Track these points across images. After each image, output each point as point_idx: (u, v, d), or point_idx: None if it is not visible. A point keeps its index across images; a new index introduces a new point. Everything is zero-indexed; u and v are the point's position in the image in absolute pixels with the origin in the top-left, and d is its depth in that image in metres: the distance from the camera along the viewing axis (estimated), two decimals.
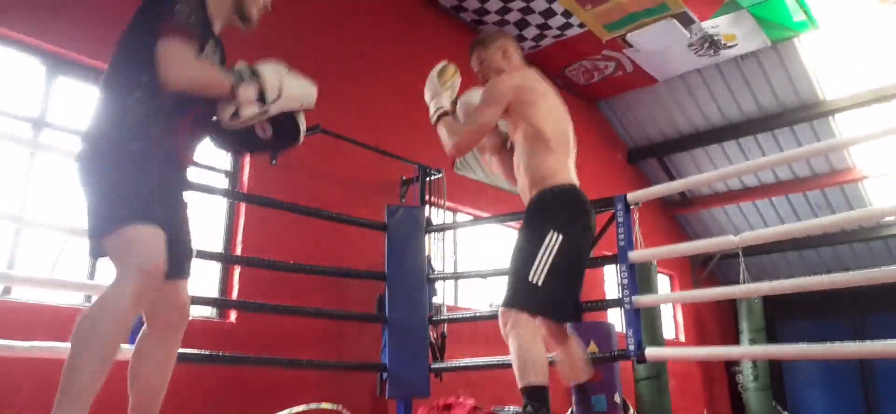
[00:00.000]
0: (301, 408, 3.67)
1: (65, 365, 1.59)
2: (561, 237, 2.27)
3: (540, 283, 2.25)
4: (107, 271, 3.85)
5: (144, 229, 1.64)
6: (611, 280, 8.17)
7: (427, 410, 4.02)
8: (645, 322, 3.61)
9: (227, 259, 4.33)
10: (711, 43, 7.09)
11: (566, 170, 2.47)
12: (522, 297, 2.30)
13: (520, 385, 2.24)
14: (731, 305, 10.68)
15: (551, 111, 2.51)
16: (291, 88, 1.87)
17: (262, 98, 1.83)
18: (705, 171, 8.79)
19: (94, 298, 3.72)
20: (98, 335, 1.57)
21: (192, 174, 4.50)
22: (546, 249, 2.26)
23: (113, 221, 1.65)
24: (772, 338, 10.26)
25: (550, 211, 2.36)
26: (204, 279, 4.32)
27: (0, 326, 3.07)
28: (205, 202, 4.45)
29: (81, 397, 1.55)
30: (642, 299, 3.47)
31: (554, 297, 2.29)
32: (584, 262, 2.46)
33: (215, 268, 4.38)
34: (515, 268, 2.34)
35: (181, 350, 3.28)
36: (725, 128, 8.82)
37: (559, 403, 6.32)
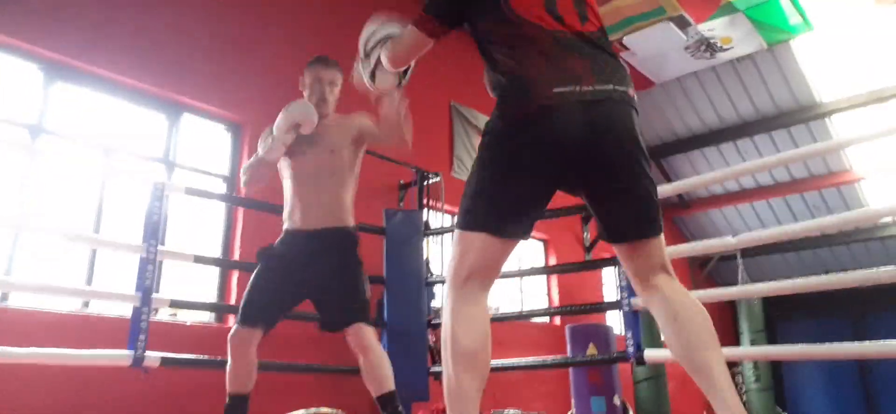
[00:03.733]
0: (300, 413, 3.66)
1: None
2: None
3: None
4: (105, 277, 3.85)
5: None
6: (609, 282, 8.18)
7: (426, 413, 4.02)
8: (644, 324, 3.61)
9: (225, 264, 4.32)
10: (708, 46, 7.10)
11: None
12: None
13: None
14: (730, 307, 10.69)
15: None
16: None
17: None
18: (702, 174, 8.81)
19: (91, 304, 3.72)
20: None
21: (189, 179, 4.50)
22: None
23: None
24: (772, 339, 10.27)
25: None
26: (202, 284, 4.32)
27: None
28: (203, 207, 4.45)
29: None
30: (641, 301, 3.47)
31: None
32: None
33: (213, 273, 4.37)
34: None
35: (179, 355, 3.29)
36: (722, 130, 8.84)
37: (560, 404, 6.31)
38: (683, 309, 1.48)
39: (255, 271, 2.58)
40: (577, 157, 1.45)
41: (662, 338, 1.70)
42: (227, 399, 2.47)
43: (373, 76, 1.98)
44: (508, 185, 1.47)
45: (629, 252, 1.55)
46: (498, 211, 1.48)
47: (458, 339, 1.44)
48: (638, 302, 3.42)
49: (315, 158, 2.62)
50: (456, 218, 1.61)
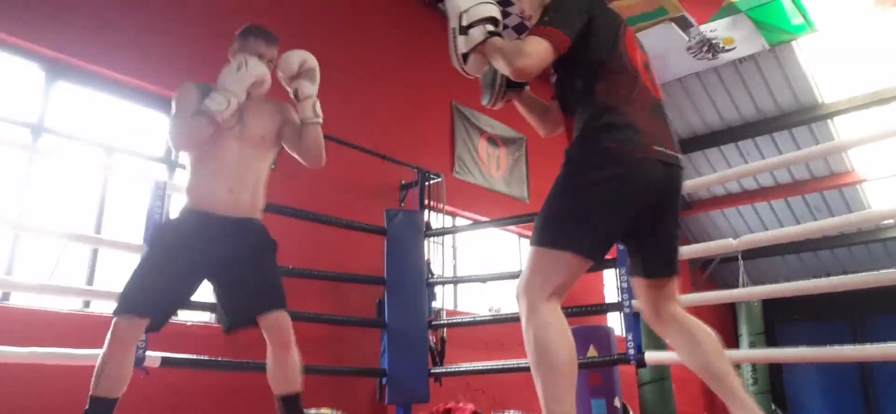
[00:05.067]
0: None
1: None
2: None
3: None
4: (106, 276, 3.86)
5: None
6: (610, 284, 8.17)
7: None
8: (645, 326, 3.61)
9: None
10: (710, 47, 7.10)
11: None
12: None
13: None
14: (730, 309, 10.68)
15: None
16: None
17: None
18: (704, 175, 8.81)
19: (93, 304, 3.72)
20: None
21: None
22: None
23: None
24: (771, 341, 10.25)
25: None
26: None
27: None
28: None
29: None
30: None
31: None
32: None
33: None
34: None
35: (180, 355, 3.30)
36: (724, 131, 8.83)
37: None
38: (700, 331, 1.81)
39: (148, 252, 2.28)
40: (651, 203, 1.70)
41: (677, 354, 1.85)
42: (89, 404, 2.08)
43: (465, 58, 1.85)
44: (602, 214, 1.65)
45: (656, 285, 1.84)
46: (594, 235, 1.66)
47: (559, 354, 1.60)
48: (639, 304, 3.42)
49: (243, 139, 2.33)
50: (536, 235, 1.70)
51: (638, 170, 1.65)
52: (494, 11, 1.86)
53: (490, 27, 1.83)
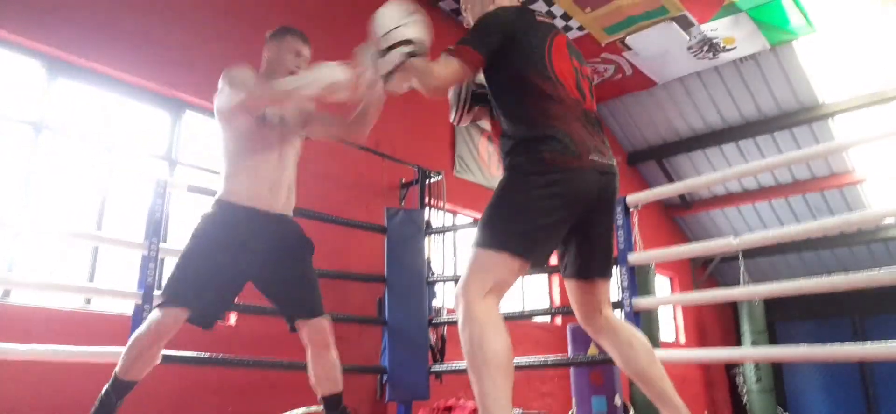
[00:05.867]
0: (301, 411, 3.66)
1: None
2: None
3: None
4: (107, 274, 3.86)
5: None
6: (611, 283, 8.17)
7: (427, 412, 4.02)
8: (644, 325, 3.61)
9: None
10: (710, 46, 7.10)
11: None
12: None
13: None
14: (731, 308, 10.69)
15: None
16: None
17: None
18: (704, 174, 8.81)
19: (93, 301, 3.73)
20: None
21: (192, 176, 4.51)
22: None
23: None
24: (773, 340, 10.26)
25: None
26: None
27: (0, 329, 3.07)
28: (205, 204, 4.45)
29: None
30: (642, 302, 3.47)
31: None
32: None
33: None
34: None
35: (180, 353, 3.30)
36: (724, 131, 8.83)
37: (561, 403, 6.31)
38: (634, 336, 1.91)
39: (194, 244, 2.25)
40: (588, 208, 1.79)
41: (613, 359, 1.95)
42: (115, 380, 2.16)
43: (387, 77, 1.92)
44: (539, 218, 1.72)
45: (589, 288, 1.93)
46: (531, 238, 1.72)
47: (492, 347, 1.60)
48: (639, 302, 3.43)
49: (284, 136, 2.37)
50: (476, 236, 1.76)
51: (574, 178, 1.74)
52: (411, 33, 1.91)
53: (406, 49, 1.88)
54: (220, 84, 2.34)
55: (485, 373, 1.58)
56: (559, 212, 1.73)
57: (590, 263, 1.90)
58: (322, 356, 2.31)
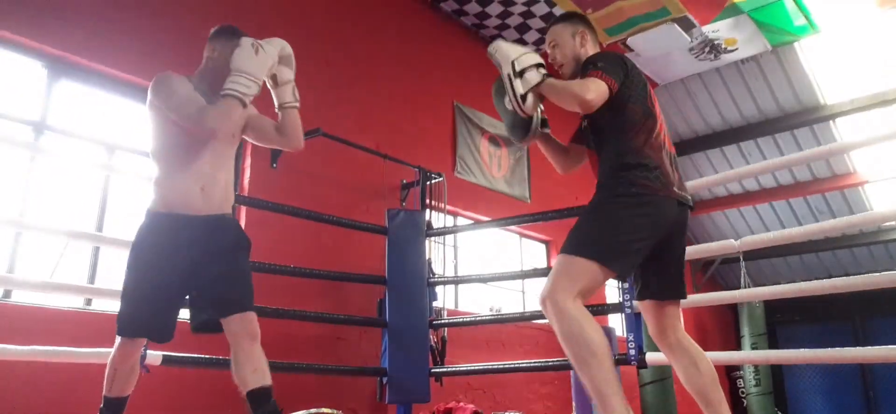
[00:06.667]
0: (301, 413, 3.66)
1: None
2: None
3: None
4: (108, 274, 3.86)
5: None
6: (611, 285, 8.16)
7: None
8: (646, 327, 3.60)
9: None
10: (712, 47, 7.09)
11: None
12: None
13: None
14: (731, 310, 10.66)
15: None
16: None
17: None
18: (706, 175, 8.80)
19: (94, 302, 3.73)
20: None
21: None
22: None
23: None
24: (772, 342, 10.24)
25: None
26: None
27: (0, 329, 3.06)
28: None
29: None
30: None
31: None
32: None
33: None
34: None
35: (181, 354, 3.30)
36: (726, 132, 8.82)
37: (561, 406, 6.31)
38: (702, 360, 2.10)
39: (129, 270, 2.23)
40: (667, 233, 2.04)
41: (678, 374, 2.17)
42: (105, 400, 2.24)
43: (523, 98, 2.11)
44: (630, 235, 1.96)
45: (663, 309, 2.15)
46: (620, 251, 1.95)
47: (595, 338, 1.80)
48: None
49: (215, 135, 2.27)
50: (569, 245, 1.95)
51: (661, 205, 2.00)
52: (540, 58, 2.16)
53: (542, 70, 2.13)
54: (155, 89, 2.26)
55: (594, 363, 1.77)
56: (646, 231, 1.97)
57: (663, 286, 2.12)
58: (250, 349, 2.21)
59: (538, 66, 2.13)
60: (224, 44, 2.32)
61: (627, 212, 1.96)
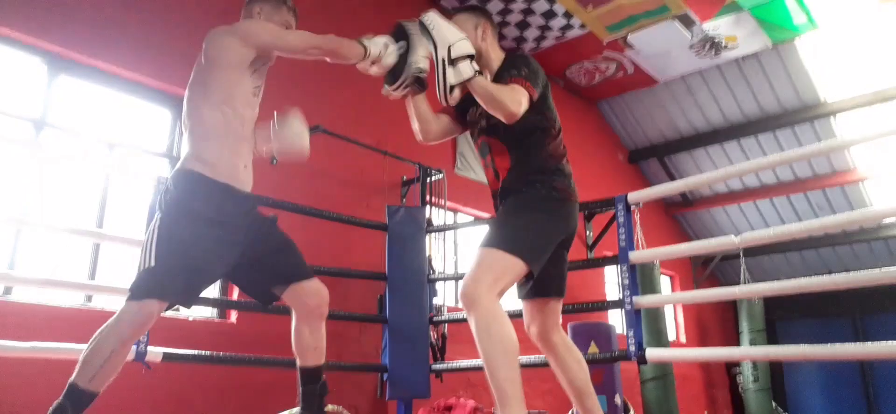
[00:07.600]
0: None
1: None
2: None
3: None
4: (108, 271, 3.86)
5: None
6: (612, 281, 8.17)
7: (427, 411, 4.02)
8: (649, 323, 3.61)
9: None
10: (712, 44, 7.09)
11: None
12: None
13: None
14: (731, 306, 10.67)
15: None
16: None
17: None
18: (706, 172, 8.79)
19: (94, 298, 3.73)
20: None
21: None
22: None
23: None
24: (772, 338, 10.25)
25: None
26: None
27: (1, 326, 3.07)
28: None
29: None
30: (643, 300, 3.47)
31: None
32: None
33: None
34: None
35: (181, 350, 3.30)
36: (726, 128, 8.82)
37: (560, 402, 6.32)
38: (581, 357, 2.27)
39: (178, 230, 1.97)
40: (569, 235, 2.18)
41: (560, 377, 2.28)
42: (73, 391, 1.94)
43: (451, 89, 2.07)
44: (551, 236, 2.09)
45: (548, 306, 2.25)
46: (540, 250, 2.03)
47: (510, 339, 1.85)
48: (640, 301, 3.42)
49: (256, 111, 2.23)
50: (491, 239, 2.00)
51: (573, 210, 2.15)
52: (473, 49, 2.09)
53: (475, 64, 2.05)
54: (232, 28, 2.17)
55: (505, 362, 1.81)
56: (561, 234, 2.11)
57: (554, 282, 2.21)
58: (318, 327, 2.24)
59: (471, 57, 2.03)
60: (271, 9, 2.32)
61: (549, 215, 2.08)
